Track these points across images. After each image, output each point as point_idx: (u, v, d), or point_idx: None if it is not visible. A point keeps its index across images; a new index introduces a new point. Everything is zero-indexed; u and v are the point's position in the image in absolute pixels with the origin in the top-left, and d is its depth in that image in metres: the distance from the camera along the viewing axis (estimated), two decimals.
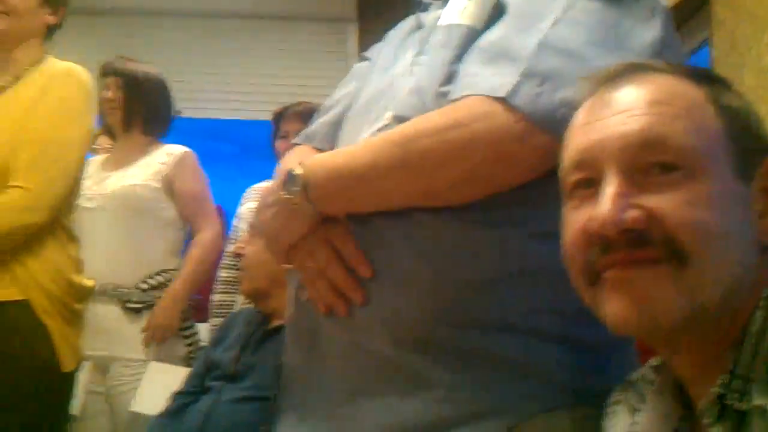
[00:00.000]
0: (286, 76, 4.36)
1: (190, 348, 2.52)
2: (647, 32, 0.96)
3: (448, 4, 1.09)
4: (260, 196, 2.64)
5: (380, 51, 1.23)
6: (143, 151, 2.63)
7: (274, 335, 1.72)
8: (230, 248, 2.76)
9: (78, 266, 1.91)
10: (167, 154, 2.62)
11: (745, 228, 0.71)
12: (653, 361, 0.83)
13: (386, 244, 0.97)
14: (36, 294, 1.74)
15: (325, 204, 0.99)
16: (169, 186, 2.56)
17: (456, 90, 0.97)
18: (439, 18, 1.09)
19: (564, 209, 0.78)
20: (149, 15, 4.39)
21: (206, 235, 2.58)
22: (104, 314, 2.38)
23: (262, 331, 1.79)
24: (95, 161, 2.64)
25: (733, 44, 2.23)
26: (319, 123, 1.19)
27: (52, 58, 1.94)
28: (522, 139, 0.89)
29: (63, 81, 1.86)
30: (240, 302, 2.64)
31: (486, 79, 0.94)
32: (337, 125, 1.16)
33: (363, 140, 1.01)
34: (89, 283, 1.96)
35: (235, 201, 2.95)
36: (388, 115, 1.01)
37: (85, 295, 1.93)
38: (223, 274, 2.80)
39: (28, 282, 1.74)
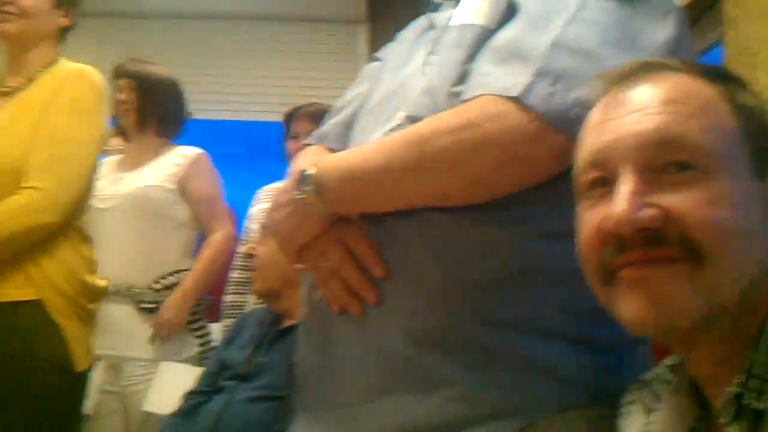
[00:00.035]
0: (297, 78, 4.37)
1: (203, 348, 2.52)
2: (661, 31, 0.96)
3: (460, 4, 1.09)
4: (272, 197, 2.65)
5: (392, 51, 1.23)
6: (157, 153, 2.64)
7: (287, 335, 1.73)
8: (242, 249, 2.77)
9: (91, 266, 1.92)
10: (181, 155, 2.63)
11: (761, 227, 0.71)
12: (668, 361, 0.83)
13: (399, 244, 0.97)
14: (50, 294, 1.76)
15: (338, 204, 0.99)
16: (183, 187, 2.57)
17: (468, 90, 0.96)
18: (450, 18, 1.09)
19: (578, 209, 0.78)
20: (160, 17, 4.41)
21: (218, 235, 2.59)
22: (117, 314, 2.39)
23: (275, 331, 1.79)
24: (109, 162, 2.65)
25: (745, 44, 2.21)
26: (331, 123, 1.19)
27: (65, 59, 1.95)
28: (535, 139, 0.89)
29: (75, 82, 1.87)
30: (251, 303, 2.65)
31: (499, 79, 0.93)
32: (349, 125, 1.16)
33: (376, 140, 1.01)
34: (102, 283, 1.97)
35: (245, 202, 2.95)
36: (400, 115, 1.01)
37: (98, 295, 1.94)
38: (234, 275, 2.82)
39: (42, 282, 1.75)
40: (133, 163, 2.64)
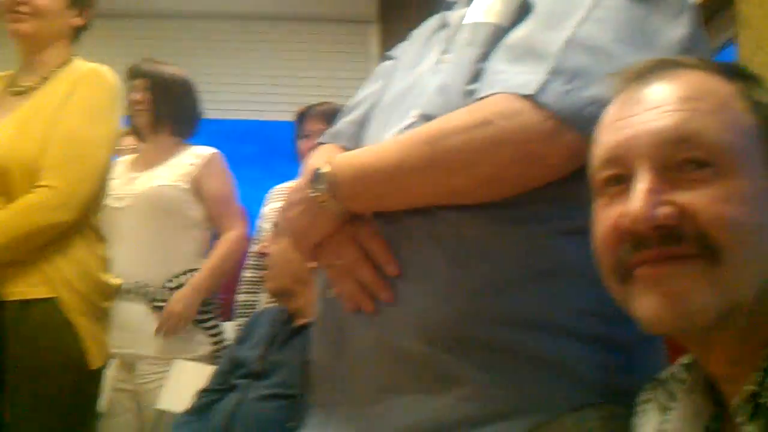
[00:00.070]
0: (308, 77, 4.38)
1: (216, 347, 2.53)
2: (675, 29, 0.96)
3: (474, 3, 1.09)
4: (285, 196, 2.66)
5: (405, 50, 1.23)
6: (171, 152, 2.65)
7: (299, 333, 1.73)
8: (254, 248, 2.77)
9: (105, 265, 1.93)
10: (196, 155, 2.64)
11: None
12: (684, 360, 0.83)
13: (413, 242, 0.97)
14: (64, 292, 1.77)
15: (351, 202, 0.99)
16: (198, 187, 2.58)
17: (483, 88, 0.96)
18: (464, 16, 1.09)
19: (594, 206, 0.78)
20: (172, 17, 4.42)
21: (231, 234, 2.59)
22: (131, 312, 2.40)
23: (287, 330, 1.79)
24: (123, 162, 2.67)
25: (759, 43, 2.20)
26: (344, 122, 1.20)
27: (79, 59, 1.96)
28: (550, 137, 0.89)
29: (90, 81, 1.88)
30: (264, 302, 2.65)
31: (513, 77, 0.93)
32: (362, 124, 1.16)
33: (389, 139, 1.01)
34: (116, 281, 1.98)
35: (257, 201, 2.96)
36: (413, 114, 1.01)
37: (112, 293, 1.95)
38: (247, 274, 2.82)
39: (56, 280, 1.76)
40: (147, 162, 2.65)
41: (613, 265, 0.74)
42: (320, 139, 1.21)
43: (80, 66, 1.93)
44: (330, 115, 2.52)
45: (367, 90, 1.22)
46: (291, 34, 4.50)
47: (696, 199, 0.68)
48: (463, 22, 1.08)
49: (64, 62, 1.94)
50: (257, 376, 1.72)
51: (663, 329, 0.71)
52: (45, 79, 1.90)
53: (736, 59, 2.34)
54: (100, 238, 1.93)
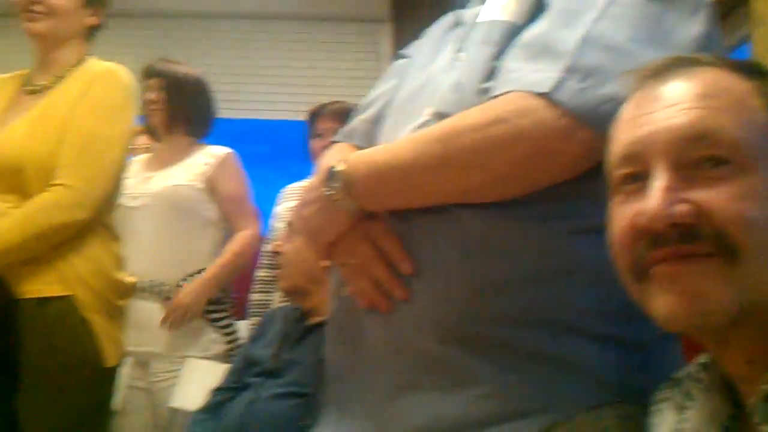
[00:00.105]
0: (320, 77, 4.38)
1: (230, 345, 2.53)
2: (691, 27, 0.95)
3: (488, 0, 1.09)
4: (297, 195, 2.66)
5: (419, 48, 1.23)
6: (186, 152, 2.66)
7: (313, 332, 1.73)
8: (267, 248, 2.78)
9: (120, 263, 1.94)
10: (211, 155, 2.65)
11: None
12: (700, 359, 0.82)
13: (427, 241, 0.97)
14: (80, 290, 1.77)
15: (366, 200, 0.99)
16: (212, 186, 2.59)
17: (497, 86, 0.96)
18: (478, 14, 1.09)
19: (610, 204, 0.78)
20: (184, 17, 4.44)
21: (245, 233, 2.60)
22: (145, 311, 2.41)
23: (301, 328, 1.79)
24: (138, 161, 2.68)
25: None
26: (358, 120, 1.20)
27: (94, 58, 1.97)
28: (565, 135, 0.88)
29: (104, 80, 1.89)
30: (277, 301, 2.66)
31: (528, 75, 0.93)
32: (376, 123, 1.16)
33: (404, 137, 1.01)
34: (131, 280, 1.99)
35: (269, 201, 2.96)
36: (428, 112, 1.01)
37: (126, 291, 1.96)
38: (260, 273, 2.83)
39: (72, 278, 1.77)
40: (162, 162, 2.66)
41: (629, 264, 0.74)
42: (334, 138, 1.21)
43: (95, 65, 1.94)
44: (342, 114, 2.52)
45: (381, 88, 1.22)
46: (303, 33, 4.50)
47: (713, 197, 0.68)
48: (478, 20, 1.08)
49: (79, 61, 1.94)
50: (271, 374, 1.72)
51: (679, 327, 0.71)
52: (60, 78, 1.91)
53: (750, 57, 2.33)
54: (115, 236, 1.94)
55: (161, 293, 2.47)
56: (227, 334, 2.55)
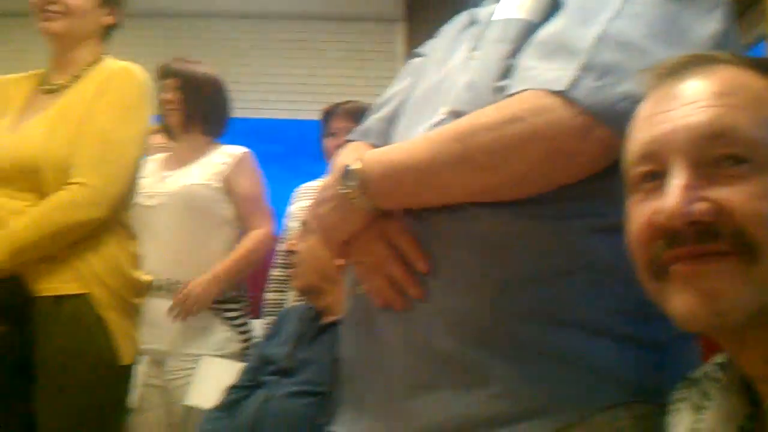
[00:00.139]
0: (334, 76, 4.38)
1: (245, 344, 2.54)
2: (708, 25, 0.94)
3: None
4: (312, 194, 2.66)
5: (434, 47, 1.22)
6: (202, 151, 2.67)
7: (327, 331, 1.73)
8: (282, 247, 2.79)
9: (136, 262, 1.95)
10: (227, 154, 2.65)
11: None
12: (718, 359, 0.82)
13: (443, 239, 0.97)
14: (96, 288, 1.78)
15: (381, 199, 0.99)
16: (229, 186, 2.60)
17: (513, 84, 0.96)
18: (493, 13, 1.09)
19: (628, 203, 0.77)
20: (199, 17, 4.45)
21: (259, 231, 2.60)
22: (161, 309, 2.41)
23: (316, 327, 1.80)
24: (155, 160, 2.69)
25: None
26: (373, 119, 1.20)
27: (110, 57, 1.98)
28: (582, 133, 0.88)
29: (121, 79, 1.90)
30: (291, 300, 2.66)
31: (544, 73, 0.92)
32: (391, 121, 1.16)
33: (420, 135, 1.01)
34: (147, 278, 2.00)
35: (282, 200, 2.97)
36: (443, 111, 1.01)
37: (142, 290, 1.97)
38: (275, 272, 2.84)
39: (88, 276, 1.78)
40: (179, 161, 2.67)
41: (647, 262, 0.73)
42: (349, 137, 1.21)
43: (111, 64, 1.94)
44: (356, 113, 2.53)
45: (396, 87, 1.22)
46: (317, 32, 4.51)
47: (732, 195, 0.68)
48: (493, 19, 1.07)
49: (95, 61, 1.95)
50: (285, 373, 1.73)
51: (697, 327, 0.71)
52: (76, 77, 1.92)
53: (766, 55, 2.32)
54: (131, 235, 1.95)
55: (177, 292, 2.47)
56: (242, 333, 2.56)
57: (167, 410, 2.46)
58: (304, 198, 2.83)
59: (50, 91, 1.92)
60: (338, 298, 1.50)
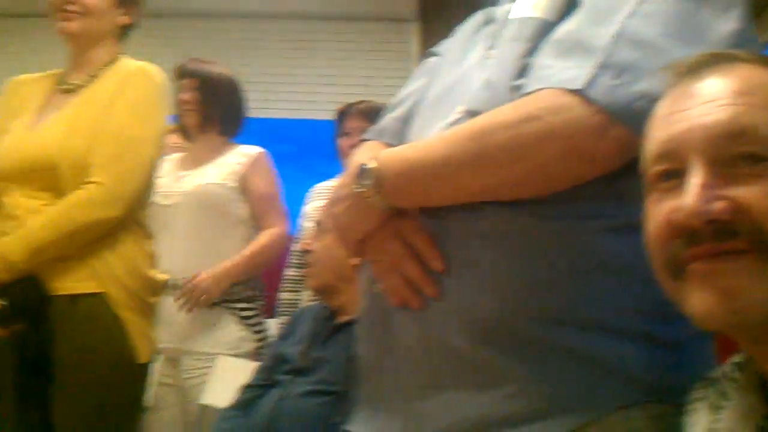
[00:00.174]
0: (348, 76, 4.40)
1: (260, 343, 2.54)
2: (725, 23, 0.94)
3: None
4: (326, 194, 2.67)
5: (450, 46, 1.22)
6: (219, 151, 2.68)
7: (342, 330, 1.74)
8: (296, 247, 2.79)
9: (152, 261, 1.96)
10: (243, 154, 2.66)
11: None
12: (736, 358, 0.82)
13: (458, 238, 0.96)
14: (112, 287, 1.79)
15: (397, 198, 0.99)
16: (244, 185, 2.61)
17: (529, 83, 0.95)
18: (509, 12, 1.09)
19: (646, 202, 0.77)
20: (214, 17, 4.47)
21: (273, 230, 2.61)
22: (177, 308, 2.43)
23: (330, 326, 1.80)
24: (171, 160, 2.70)
25: None
26: (389, 118, 1.20)
27: (127, 57, 1.99)
28: (599, 132, 0.87)
29: (137, 79, 1.91)
30: (305, 299, 2.67)
31: (560, 72, 0.92)
32: (407, 120, 1.16)
33: (436, 134, 1.00)
34: (163, 277, 2.01)
35: (296, 200, 2.97)
36: (459, 110, 1.01)
37: (158, 289, 1.98)
38: (290, 272, 2.84)
39: (105, 275, 1.79)
40: (195, 161, 2.68)
41: (665, 261, 0.73)
42: (364, 136, 1.21)
43: (128, 64, 1.96)
44: (370, 113, 2.53)
45: (412, 86, 1.22)
46: (331, 33, 4.52)
47: (751, 193, 0.67)
48: (509, 17, 1.07)
49: (112, 60, 1.96)
50: (300, 372, 1.73)
51: (715, 325, 0.71)
52: (93, 77, 1.93)
53: None
54: (147, 234, 1.96)
55: (185, 284, 2.48)
56: (257, 332, 2.57)
57: (182, 409, 2.47)
58: (318, 198, 2.83)
59: (68, 91, 1.93)
60: (353, 297, 1.50)
